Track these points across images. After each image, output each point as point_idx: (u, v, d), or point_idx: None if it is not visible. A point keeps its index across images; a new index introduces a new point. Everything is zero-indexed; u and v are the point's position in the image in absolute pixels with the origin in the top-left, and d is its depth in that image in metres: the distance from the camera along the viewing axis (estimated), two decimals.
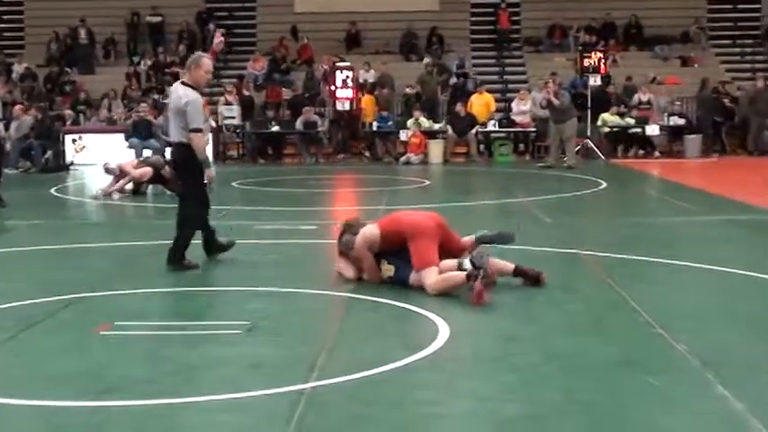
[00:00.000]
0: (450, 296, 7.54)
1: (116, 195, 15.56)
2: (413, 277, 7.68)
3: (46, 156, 21.81)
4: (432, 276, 7.53)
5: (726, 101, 25.29)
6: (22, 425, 4.76)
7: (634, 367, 5.57)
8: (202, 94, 9.36)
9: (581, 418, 4.78)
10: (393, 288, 7.74)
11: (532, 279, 7.85)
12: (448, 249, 7.85)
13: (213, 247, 9.42)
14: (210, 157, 9.52)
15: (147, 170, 15.82)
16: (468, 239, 8.18)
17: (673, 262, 9.05)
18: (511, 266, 7.88)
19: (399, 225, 7.83)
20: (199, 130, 8.84)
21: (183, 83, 8.97)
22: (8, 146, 16.25)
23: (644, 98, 25.29)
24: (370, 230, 7.89)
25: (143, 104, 22.72)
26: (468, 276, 7.23)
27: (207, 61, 9.02)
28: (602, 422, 4.72)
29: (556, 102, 20.60)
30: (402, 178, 19.37)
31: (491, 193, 17.12)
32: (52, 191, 16.88)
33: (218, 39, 8.26)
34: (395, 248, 7.78)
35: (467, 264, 7.42)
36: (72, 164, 22.01)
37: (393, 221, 7.95)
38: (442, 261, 7.66)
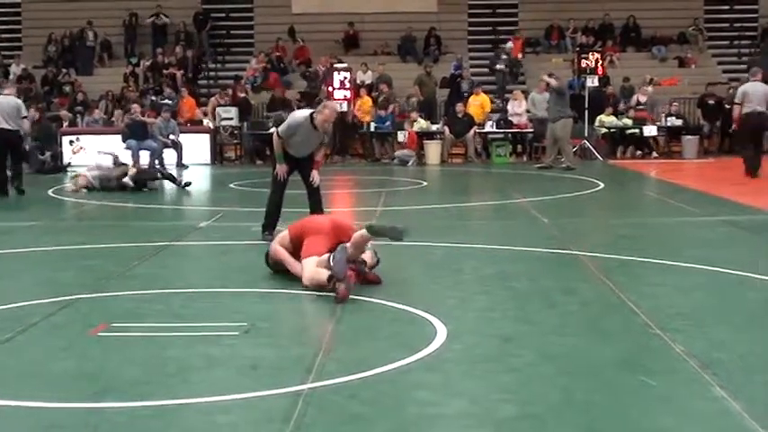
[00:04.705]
0: (447, 297, 7.57)
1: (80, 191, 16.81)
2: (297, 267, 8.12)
3: (43, 157, 21.79)
4: (308, 268, 7.83)
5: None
6: (18, 426, 4.75)
7: (631, 368, 5.56)
8: None
9: (578, 418, 4.77)
10: (390, 289, 7.75)
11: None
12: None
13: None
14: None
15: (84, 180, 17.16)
16: (358, 233, 8.11)
17: (670, 263, 9.05)
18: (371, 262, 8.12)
19: (301, 226, 8.37)
20: (279, 135, 10.44)
21: (312, 113, 10.35)
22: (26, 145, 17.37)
23: (642, 99, 25.30)
24: (282, 233, 8.60)
25: (135, 105, 22.70)
26: (329, 279, 7.48)
27: (326, 111, 10.28)
28: (599, 422, 4.72)
29: (554, 83, 20.64)
30: (399, 179, 19.38)
31: (489, 193, 17.13)
32: (49, 192, 16.88)
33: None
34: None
35: (331, 260, 7.61)
36: (69, 165, 22.00)
37: (298, 224, 8.47)
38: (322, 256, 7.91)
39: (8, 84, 18.70)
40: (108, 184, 16.83)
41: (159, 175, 17.89)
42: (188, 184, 17.33)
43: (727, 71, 28.81)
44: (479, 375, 5.50)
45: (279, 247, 8.37)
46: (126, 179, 16.87)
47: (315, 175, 10.64)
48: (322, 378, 5.34)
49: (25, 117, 16.61)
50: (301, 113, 10.72)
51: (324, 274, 7.63)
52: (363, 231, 7.78)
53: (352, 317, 7.01)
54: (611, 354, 5.90)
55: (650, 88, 25.85)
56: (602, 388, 5.26)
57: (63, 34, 29.98)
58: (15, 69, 28.42)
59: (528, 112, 24.49)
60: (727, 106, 24.86)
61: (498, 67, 27.98)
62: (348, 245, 7.75)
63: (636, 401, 4.97)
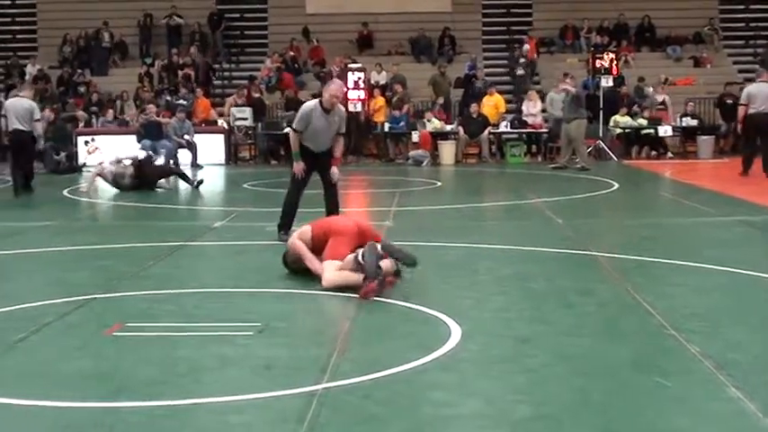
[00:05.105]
0: (462, 297, 7.56)
1: (90, 192, 16.72)
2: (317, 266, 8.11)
3: (58, 157, 21.86)
4: (329, 270, 7.87)
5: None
6: (32, 425, 4.76)
7: (647, 369, 5.54)
8: None
9: (594, 419, 4.76)
10: (405, 290, 7.74)
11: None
12: None
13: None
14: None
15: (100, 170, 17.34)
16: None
17: (685, 263, 9.02)
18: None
19: (326, 225, 8.48)
20: (294, 130, 10.47)
21: (320, 99, 10.48)
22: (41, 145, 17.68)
23: (659, 98, 25.21)
24: (303, 227, 8.58)
25: (150, 106, 22.76)
26: (366, 278, 7.51)
27: (332, 86, 10.45)
28: (614, 423, 4.70)
29: (573, 90, 20.61)
30: (413, 179, 19.36)
31: (503, 194, 17.10)
32: (65, 192, 16.92)
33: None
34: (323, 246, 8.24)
35: (359, 257, 7.67)
36: (84, 165, 22.06)
37: (322, 223, 8.60)
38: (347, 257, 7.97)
39: (25, 85, 19.04)
40: (121, 181, 16.88)
41: (166, 167, 18.03)
42: (200, 182, 17.35)
43: (743, 71, 28.68)
44: (495, 376, 5.49)
45: (299, 241, 8.35)
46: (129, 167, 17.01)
47: (334, 171, 10.60)
48: (336, 378, 5.33)
49: (38, 120, 16.79)
50: (310, 102, 10.78)
51: (350, 275, 7.66)
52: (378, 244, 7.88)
53: (368, 317, 7.01)
54: (626, 354, 5.88)
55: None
56: (618, 389, 5.24)
57: (78, 35, 30.07)
58: (31, 70, 28.53)
59: (544, 111, 24.46)
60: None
61: (519, 72, 27.86)
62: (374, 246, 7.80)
63: (651, 402, 4.95)
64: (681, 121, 24.55)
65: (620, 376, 5.45)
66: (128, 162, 17.15)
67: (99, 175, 17.14)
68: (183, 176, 17.52)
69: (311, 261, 8.18)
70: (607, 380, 5.40)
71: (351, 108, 24.09)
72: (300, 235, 8.44)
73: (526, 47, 28.52)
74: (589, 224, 12.31)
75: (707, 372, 5.44)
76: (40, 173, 19.46)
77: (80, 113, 25.21)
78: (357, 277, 7.60)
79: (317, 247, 8.22)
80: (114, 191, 16.79)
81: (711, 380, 5.30)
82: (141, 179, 16.90)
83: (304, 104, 10.84)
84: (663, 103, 25.20)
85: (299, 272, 8.35)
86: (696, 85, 27.87)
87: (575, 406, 4.93)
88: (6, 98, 19.55)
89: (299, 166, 10.50)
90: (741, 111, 18.60)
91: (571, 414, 4.81)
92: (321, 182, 10.70)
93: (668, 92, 26.10)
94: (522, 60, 28.05)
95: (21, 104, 16.39)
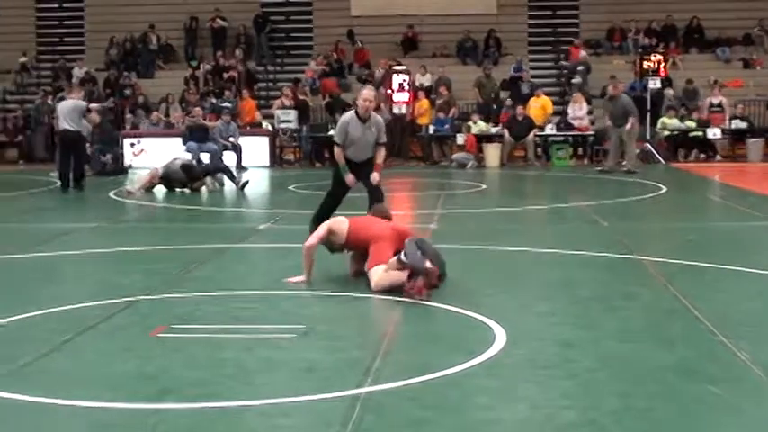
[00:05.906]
0: (507, 301, 7.52)
1: (138, 193, 16.85)
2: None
3: (105, 159, 22.03)
4: (377, 274, 7.85)
5: None
6: (78, 426, 4.79)
7: (694, 375, 5.47)
8: None
9: (638, 424, 4.70)
10: (449, 293, 7.70)
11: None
12: None
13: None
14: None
15: (154, 172, 17.39)
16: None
17: (735, 268, 8.91)
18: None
19: (364, 228, 8.31)
20: (337, 144, 10.58)
21: (355, 109, 10.63)
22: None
23: (715, 101, 24.93)
24: (339, 218, 8.63)
25: (196, 109, 22.89)
26: (410, 276, 7.51)
27: (363, 91, 10.70)
28: (660, 429, 4.64)
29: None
30: (458, 182, 19.31)
31: (548, 197, 17.01)
32: (111, 194, 17.05)
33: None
34: (359, 249, 8.27)
35: (402, 257, 7.66)
36: (130, 167, 22.24)
37: (362, 224, 8.43)
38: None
39: (73, 88, 19.95)
40: (174, 176, 17.03)
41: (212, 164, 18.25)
42: (246, 184, 17.43)
43: None
44: (540, 381, 5.44)
45: (324, 230, 8.39)
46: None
47: (375, 176, 10.61)
48: (379, 382, 5.31)
49: (90, 111, 18.01)
50: (347, 113, 10.91)
51: (396, 275, 7.64)
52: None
53: (411, 320, 6.98)
54: (673, 360, 5.81)
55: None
56: (664, 394, 5.17)
57: (125, 38, 30.31)
58: (78, 72, 28.79)
59: (590, 114, 24.32)
60: None
61: (575, 81, 27.46)
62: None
63: (698, 409, 4.89)
64: (730, 123, 24.30)
65: (665, 382, 5.38)
66: (177, 162, 17.35)
67: (152, 175, 17.24)
68: (230, 174, 17.61)
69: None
70: (652, 385, 5.32)
71: (395, 110, 24.12)
72: (334, 224, 8.43)
73: (583, 53, 28.13)
74: (636, 228, 12.21)
75: (757, 379, 5.35)
76: (86, 175, 19.63)
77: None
78: (402, 276, 7.58)
79: (351, 244, 8.31)
80: (160, 193, 16.89)
81: (762, 387, 5.22)
82: (190, 177, 17.07)
83: (342, 117, 11.01)
84: (719, 105, 24.90)
85: (334, 250, 8.45)
86: (746, 87, 27.56)
87: (619, 412, 4.88)
88: (56, 101, 20.23)
89: (349, 177, 10.57)
90: None
91: (616, 420, 4.75)
92: (366, 189, 10.69)
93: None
94: (580, 68, 27.63)
95: (67, 105, 17.39)
